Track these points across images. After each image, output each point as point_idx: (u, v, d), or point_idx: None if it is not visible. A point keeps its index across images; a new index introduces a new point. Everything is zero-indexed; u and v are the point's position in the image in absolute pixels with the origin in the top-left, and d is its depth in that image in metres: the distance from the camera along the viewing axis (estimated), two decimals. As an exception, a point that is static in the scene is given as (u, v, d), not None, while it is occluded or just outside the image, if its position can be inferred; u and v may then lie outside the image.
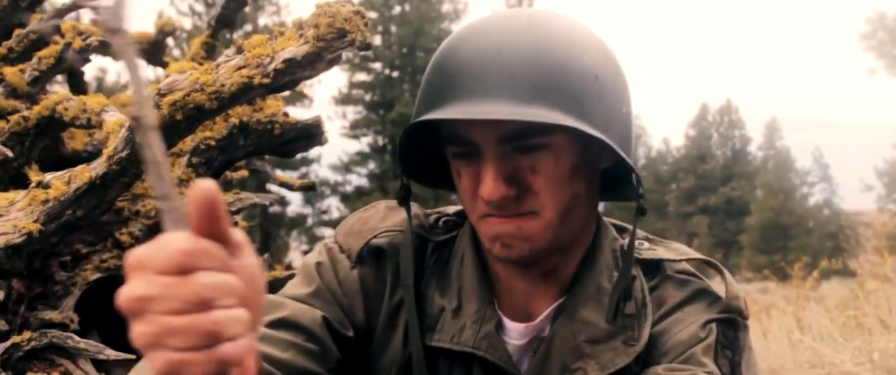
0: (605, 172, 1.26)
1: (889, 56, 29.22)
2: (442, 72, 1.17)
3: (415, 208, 1.34)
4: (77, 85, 3.94)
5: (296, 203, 33.86)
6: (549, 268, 1.25)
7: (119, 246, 3.00)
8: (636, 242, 1.30)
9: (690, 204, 46.23)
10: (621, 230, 1.37)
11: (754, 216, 41.55)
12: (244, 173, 4.21)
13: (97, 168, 2.01)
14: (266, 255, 4.94)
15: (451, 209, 1.38)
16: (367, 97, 34.85)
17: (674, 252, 1.32)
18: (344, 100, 35.01)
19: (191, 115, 1.87)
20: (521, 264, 1.23)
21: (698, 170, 47.03)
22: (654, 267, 1.29)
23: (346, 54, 1.79)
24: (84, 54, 3.19)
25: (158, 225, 3.06)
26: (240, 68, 1.84)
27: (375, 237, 1.31)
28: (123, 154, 1.96)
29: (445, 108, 1.12)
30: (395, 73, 34.29)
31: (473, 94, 1.11)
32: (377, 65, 34.45)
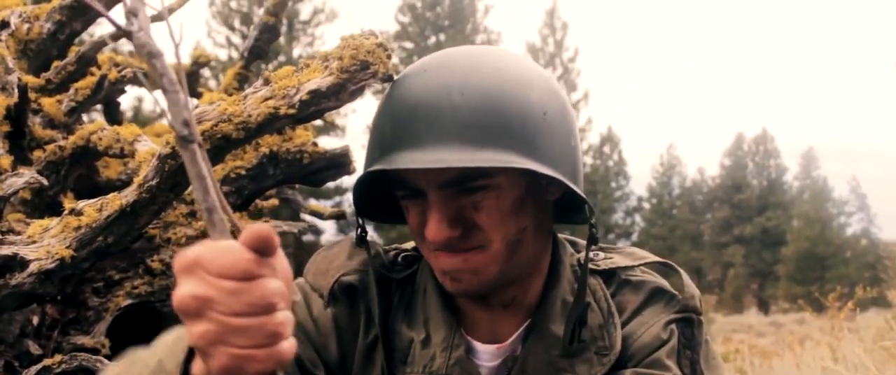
0: (561, 199, 1.29)
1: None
2: (391, 118, 1.19)
3: (376, 246, 1.36)
4: (113, 115, 4.03)
5: (329, 232, 34.01)
6: (509, 299, 1.28)
7: (150, 272, 3.06)
8: (591, 254, 1.34)
9: (726, 234, 45.83)
10: (574, 244, 1.40)
11: (791, 246, 41.10)
12: (274, 202, 4.27)
13: (128, 196, 2.06)
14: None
15: (410, 244, 1.40)
16: (401, 126, 34.97)
17: (629, 257, 1.36)
18: (378, 129, 35.16)
19: (218, 145, 1.92)
20: (473, 296, 1.25)
21: (734, 200, 46.66)
22: (611, 275, 1.33)
23: (375, 85, 1.84)
24: (119, 85, 3.27)
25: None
26: (266, 99, 1.89)
27: (344, 275, 1.32)
28: (153, 182, 2.02)
29: (394, 157, 1.14)
30: (429, 103, 34.33)
31: (421, 141, 1.13)
32: (411, 95, 34.58)
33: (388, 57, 1.81)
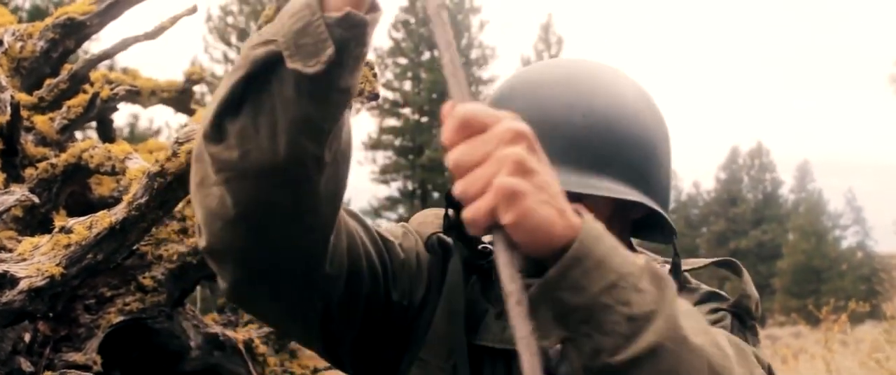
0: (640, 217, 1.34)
1: (920, 98, 28.97)
2: None
3: None
4: (106, 132, 4.04)
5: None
6: None
7: (142, 289, 3.07)
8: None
9: (721, 247, 45.84)
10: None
11: (786, 259, 41.11)
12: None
13: (117, 213, 2.08)
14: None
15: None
16: (397, 142, 34.99)
17: (685, 263, 1.41)
18: (374, 144, 35.20)
19: (207, 163, 1.93)
20: None
21: (729, 214, 46.70)
22: None
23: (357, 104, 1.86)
24: (111, 103, 3.29)
25: (181, 269, 3.13)
26: (254, 117, 1.91)
27: (443, 231, 1.34)
28: (143, 200, 2.04)
29: None
30: (425, 119, 34.35)
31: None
32: (407, 111, 34.61)
33: (375, 76, 1.84)
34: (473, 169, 0.85)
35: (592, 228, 0.92)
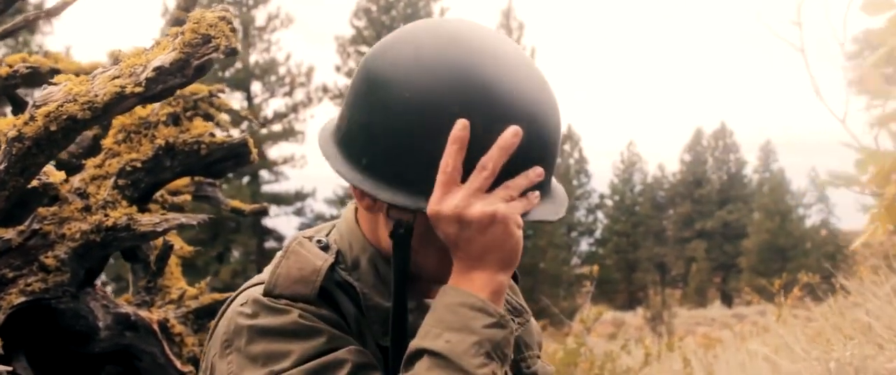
0: None
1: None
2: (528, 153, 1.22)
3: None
4: (19, 111, 3.97)
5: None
6: None
7: (45, 269, 3.01)
8: None
9: (688, 228, 46.20)
10: None
11: (752, 239, 41.51)
12: (187, 198, 4.22)
13: (-25, 181, 2.02)
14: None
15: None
16: (361, 130, 34.88)
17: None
18: (338, 133, 35.09)
19: (66, 126, 1.87)
20: None
21: (694, 195, 47.03)
22: None
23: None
24: (12, 81, 3.22)
25: (85, 248, 3.07)
26: (114, 78, 1.85)
27: (321, 280, 1.29)
28: (1, 166, 1.97)
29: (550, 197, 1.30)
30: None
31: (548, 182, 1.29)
32: (370, 99, 34.48)
33: (232, 30, 1.79)
34: None
35: None
